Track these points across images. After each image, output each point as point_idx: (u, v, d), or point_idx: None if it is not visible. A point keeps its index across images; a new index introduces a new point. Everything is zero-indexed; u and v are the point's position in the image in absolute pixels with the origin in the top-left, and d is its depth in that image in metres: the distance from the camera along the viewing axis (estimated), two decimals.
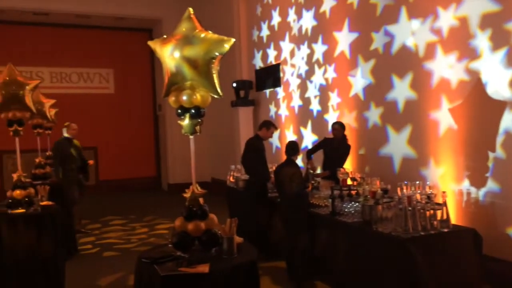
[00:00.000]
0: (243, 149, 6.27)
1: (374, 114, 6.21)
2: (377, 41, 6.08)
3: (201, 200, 2.80)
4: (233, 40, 2.65)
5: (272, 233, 5.78)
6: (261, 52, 9.54)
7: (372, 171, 6.17)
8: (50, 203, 4.75)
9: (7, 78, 4.39)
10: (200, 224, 2.71)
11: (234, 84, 9.52)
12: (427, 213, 3.83)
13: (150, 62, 13.33)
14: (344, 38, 6.78)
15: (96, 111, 12.66)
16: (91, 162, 7.73)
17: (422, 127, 5.40)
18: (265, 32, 9.31)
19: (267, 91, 9.30)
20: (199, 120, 2.75)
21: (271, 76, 9.09)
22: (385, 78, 5.96)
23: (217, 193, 7.39)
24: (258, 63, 9.66)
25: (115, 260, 6.21)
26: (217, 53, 2.61)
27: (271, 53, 9.09)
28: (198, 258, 2.63)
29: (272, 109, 9.11)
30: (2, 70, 11.64)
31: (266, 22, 9.22)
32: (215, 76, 2.65)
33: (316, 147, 6.38)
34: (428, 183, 4.72)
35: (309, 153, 6.29)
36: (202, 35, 2.62)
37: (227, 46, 2.61)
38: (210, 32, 2.65)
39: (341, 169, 5.46)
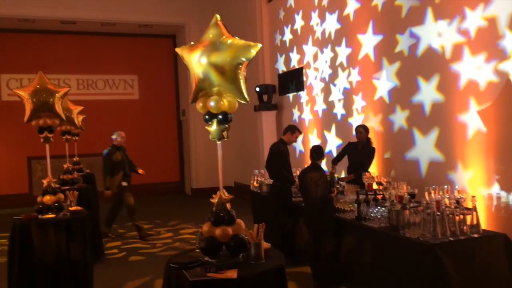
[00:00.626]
0: (266, 154, 6.28)
1: (399, 117, 6.12)
2: (402, 43, 6.00)
3: (228, 205, 2.80)
4: (259, 45, 2.65)
5: (297, 238, 5.75)
6: (284, 56, 9.54)
7: (398, 175, 6.08)
8: (79, 208, 4.84)
9: (38, 86, 4.50)
10: (228, 230, 2.72)
11: (257, 89, 9.54)
12: (456, 218, 3.76)
13: (173, 68, 13.50)
14: (368, 41, 6.72)
15: (121, 117, 12.86)
16: (141, 171, 8.02)
17: (450, 130, 5.29)
18: (288, 36, 9.31)
19: (290, 95, 9.29)
20: (227, 126, 2.76)
21: (294, 80, 9.08)
22: (410, 80, 5.88)
23: (240, 198, 7.42)
24: (281, 67, 9.66)
25: (141, 264, 6.28)
26: (244, 59, 2.62)
27: (294, 57, 9.08)
28: (226, 264, 2.64)
29: (296, 113, 9.09)
30: (31, 78, 11.96)
31: (289, 26, 9.22)
32: (242, 82, 2.66)
33: (341, 153, 6.37)
34: (456, 187, 4.64)
35: (336, 160, 6.30)
36: (229, 41, 2.63)
37: (253, 52, 2.62)
38: (237, 38, 2.67)
39: (367, 173, 5.42)
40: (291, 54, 9.20)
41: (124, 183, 7.57)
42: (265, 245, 2.79)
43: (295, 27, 8.99)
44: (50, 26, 11.89)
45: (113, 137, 7.65)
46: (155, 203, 11.74)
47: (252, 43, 2.65)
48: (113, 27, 12.24)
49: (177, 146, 13.67)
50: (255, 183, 7.08)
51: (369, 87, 6.73)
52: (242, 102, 2.73)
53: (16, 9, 10.75)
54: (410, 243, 3.71)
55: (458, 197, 4.04)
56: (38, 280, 4.31)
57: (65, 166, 7.35)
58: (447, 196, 4.10)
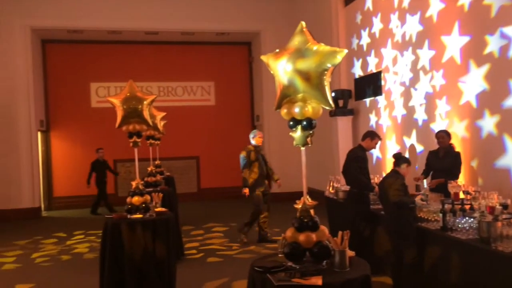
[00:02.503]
0: (341, 159, 6.19)
1: (488, 123, 5.76)
2: (492, 44, 5.64)
3: (311, 211, 2.80)
4: (345, 51, 2.64)
5: (375, 246, 5.60)
6: (361, 61, 9.36)
7: (486, 184, 5.71)
8: (163, 209, 5.07)
9: (128, 94, 4.80)
10: (312, 236, 2.72)
11: (333, 94, 9.45)
12: None
13: (248, 74, 13.75)
14: (453, 43, 6.39)
15: (198, 122, 13.35)
16: (278, 181, 7.72)
17: None
18: (365, 40, 9.12)
19: (367, 100, 9.09)
20: (311, 132, 2.77)
21: (371, 84, 8.87)
22: (501, 84, 5.51)
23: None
24: (358, 72, 9.48)
25: (219, 266, 6.43)
26: (329, 65, 2.62)
27: (372, 61, 8.87)
28: (310, 270, 2.64)
29: (373, 118, 8.87)
30: (117, 86, 12.61)
31: (367, 30, 9.03)
32: (327, 88, 2.66)
33: (426, 166, 6.15)
34: None
35: (425, 174, 6.11)
36: (315, 47, 2.64)
37: (339, 58, 2.61)
38: (322, 44, 2.67)
39: (452, 181, 5.16)
40: (368, 58, 9.01)
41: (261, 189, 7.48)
42: (350, 253, 2.76)
43: (373, 30, 8.79)
44: (135, 37, 12.66)
45: (251, 136, 7.62)
46: (229, 206, 11.99)
47: (337, 49, 2.65)
48: (192, 36, 12.75)
49: None
50: (330, 189, 7.00)
51: (454, 91, 6.40)
52: (327, 108, 2.72)
53: (106, 22, 11.58)
54: (503, 257, 3.47)
55: None
56: (127, 275, 4.56)
57: (149, 169, 7.73)
58: None
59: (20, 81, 11.06)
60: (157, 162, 8.79)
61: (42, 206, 12.00)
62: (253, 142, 7.62)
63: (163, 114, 7.96)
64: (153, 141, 7.92)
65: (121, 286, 4.58)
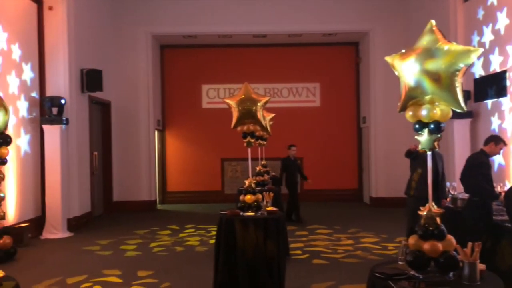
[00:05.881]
0: (458, 165, 5.80)
1: None
2: None
3: (438, 219, 2.66)
4: (480, 50, 2.47)
5: (498, 260, 5.15)
6: (482, 59, 8.66)
7: None
8: (274, 208, 5.19)
9: (243, 96, 5.00)
10: (437, 245, 2.58)
11: None
12: None
13: (355, 74, 13.47)
14: None
15: (302, 123, 13.38)
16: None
17: None
18: (488, 37, 8.42)
19: (489, 101, 8.38)
20: (439, 136, 2.63)
21: (494, 85, 8.17)
22: None
23: None
24: (478, 71, 8.79)
25: (324, 268, 6.38)
26: (462, 65, 2.48)
27: (495, 60, 8.17)
28: (436, 281, 2.51)
29: (495, 121, 8.16)
30: (226, 88, 13.05)
31: (490, 26, 8.33)
32: (458, 89, 2.51)
33: None
34: None
35: None
36: (446, 47, 2.51)
37: (474, 57, 2.46)
38: (454, 43, 2.53)
39: None
40: (491, 57, 8.30)
41: None
42: (480, 266, 2.57)
43: (497, 26, 8.09)
44: (244, 40, 13.08)
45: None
46: (334, 209, 11.88)
47: (472, 48, 2.49)
48: (299, 37, 12.85)
49: (356, 153, 13.57)
50: None
51: None
52: (458, 110, 2.57)
53: (217, 27, 12.16)
54: None
55: None
56: (239, 269, 4.75)
57: (257, 168, 7.95)
58: None
59: (142, 83, 12.07)
60: (263, 162, 8.99)
61: (157, 199, 12.94)
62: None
63: (272, 115, 8.12)
64: (261, 142, 8.12)
65: (234, 279, 4.78)
